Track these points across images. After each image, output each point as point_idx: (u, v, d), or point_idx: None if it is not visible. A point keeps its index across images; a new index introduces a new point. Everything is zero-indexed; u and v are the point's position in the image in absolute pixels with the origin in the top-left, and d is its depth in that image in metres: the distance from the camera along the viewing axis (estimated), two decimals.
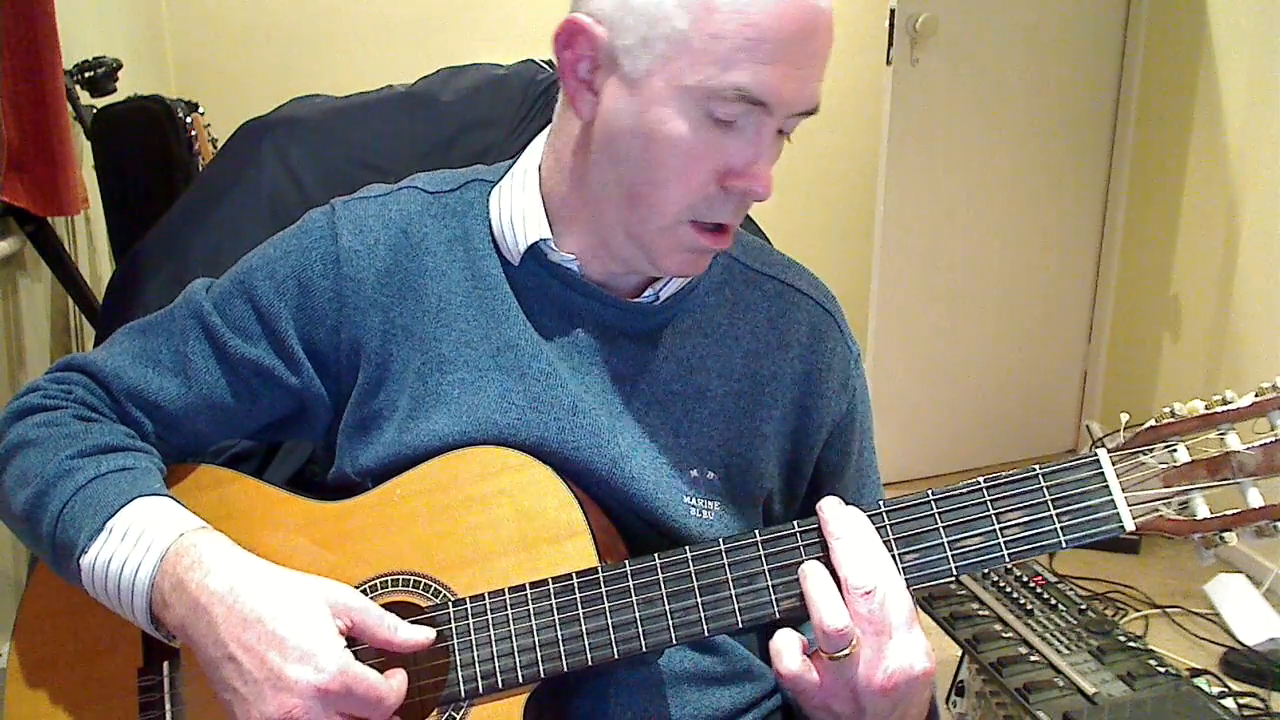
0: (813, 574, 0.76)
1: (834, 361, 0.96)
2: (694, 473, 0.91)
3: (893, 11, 2.79)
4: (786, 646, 0.75)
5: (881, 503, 0.78)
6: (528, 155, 0.93)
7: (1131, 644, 1.77)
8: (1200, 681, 1.78)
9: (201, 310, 0.91)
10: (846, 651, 0.73)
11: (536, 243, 0.89)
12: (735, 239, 0.98)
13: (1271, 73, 2.53)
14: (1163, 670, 1.69)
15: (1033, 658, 1.75)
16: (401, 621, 0.80)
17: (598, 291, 0.90)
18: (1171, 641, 2.31)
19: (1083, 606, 1.92)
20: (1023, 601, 1.93)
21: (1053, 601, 1.93)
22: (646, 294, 0.91)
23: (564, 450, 0.88)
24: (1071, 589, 1.98)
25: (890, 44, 2.82)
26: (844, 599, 0.74)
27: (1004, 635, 1.83)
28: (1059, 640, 1.80)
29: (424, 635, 0.80)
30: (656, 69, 0.79)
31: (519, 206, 0.91)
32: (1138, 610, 2.43)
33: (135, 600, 0.79)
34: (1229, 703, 1.84)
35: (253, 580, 0.77)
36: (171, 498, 0.84)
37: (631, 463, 0.88)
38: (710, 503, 0.91)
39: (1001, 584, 1.94)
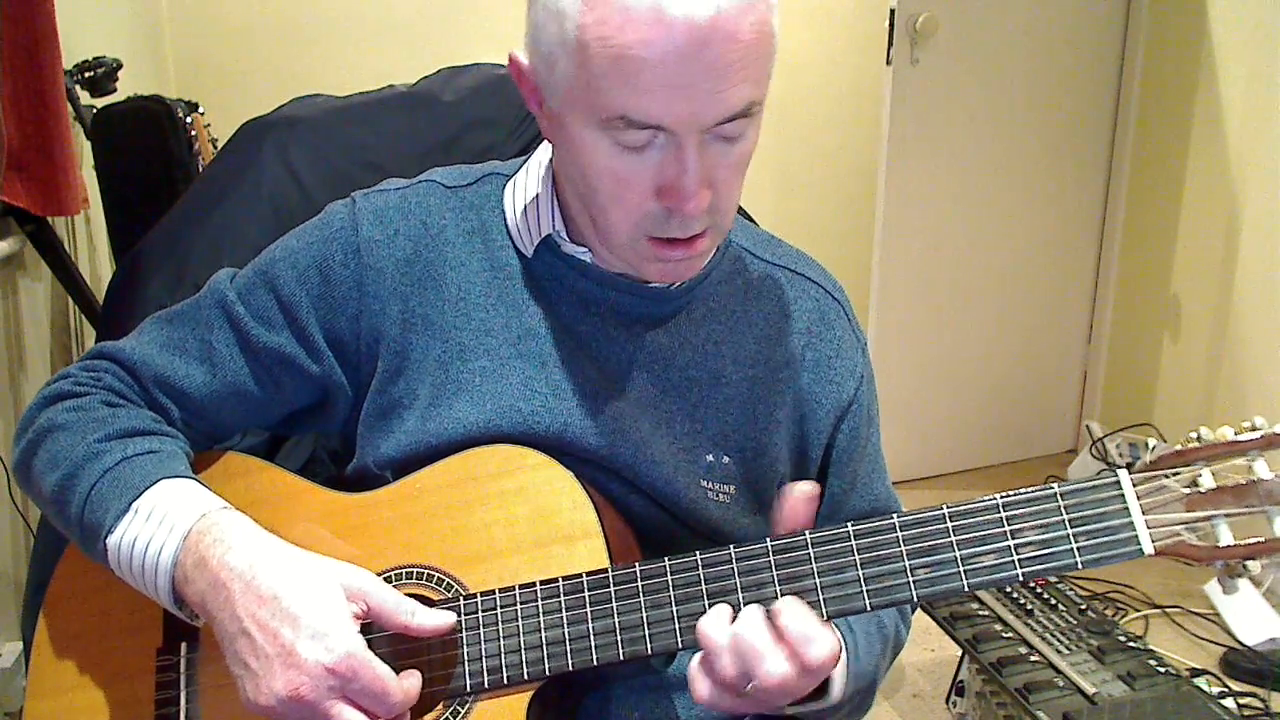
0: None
1: (842, 348, 0.97)
2: (710, 457, 0.92)
3: (893, 11, 2.78)
4: (698, 679, 0.77)
5: (895, 516, 0.78)
6: (543, 149, 0.94)
7: (1131, 644, 1.77)
8: (1200, 681, 1.78)
9: (225, 300, 0.92)
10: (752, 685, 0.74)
11: (549, 235, 0.91)
12: (742, 234, 0.99)
13: (1271, 73, 2.52)
14: (1163, 670, 1.69)
15: (1033, 658, 1.75)
16: (420, 605, 0.80)
17: (613, 279, 0.91)
18: (1171, 641, 2.30)
19: (1083, 606, 1.92)
20: (1023, 601, 1.93)
21: (1053, 601, 1.92)
22: None
23: (586, 436, 0.89)
24: (1071, 589, 1.98)
25: (890, 44, 2.81)
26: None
27: (1004, 635, 1.83)
28: (1059, 640, 1.80)
29: (443, 620, 0.80)
30: (564, 106, 0.80)
31: (532, 199, 0.92)
32: (1138, 610, 2.42)
33: (159, 579, 0.81)
34: (1229, 703, 1.84)
35: (272, 559, 0.78)
36: (196, 480, 0.85)
37: (652, 447, 0.89)
38: (727, 486, 0.92)
39: None
